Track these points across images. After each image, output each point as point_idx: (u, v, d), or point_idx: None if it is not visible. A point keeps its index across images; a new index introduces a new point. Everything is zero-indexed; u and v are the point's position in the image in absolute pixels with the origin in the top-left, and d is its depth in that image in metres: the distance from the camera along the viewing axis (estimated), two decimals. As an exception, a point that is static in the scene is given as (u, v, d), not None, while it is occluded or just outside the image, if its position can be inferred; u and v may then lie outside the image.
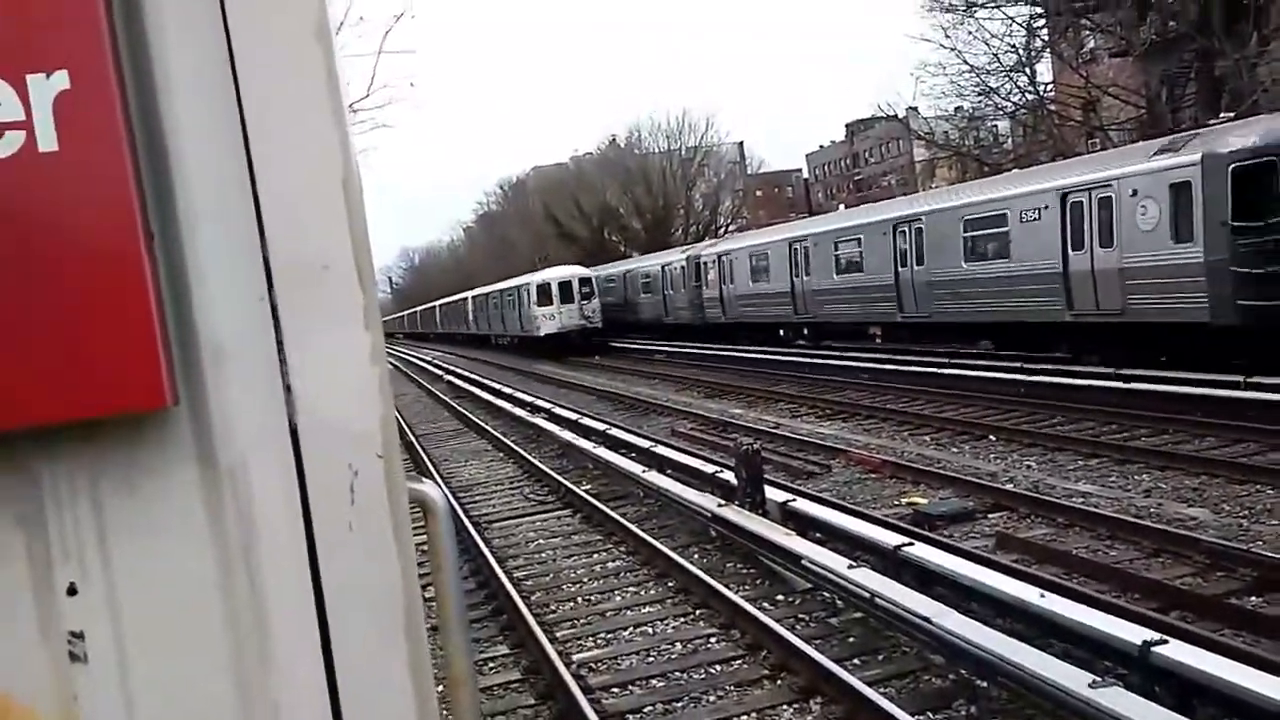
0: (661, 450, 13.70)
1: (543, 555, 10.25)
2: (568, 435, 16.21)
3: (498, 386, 27.16)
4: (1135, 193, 15.03)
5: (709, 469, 11.67)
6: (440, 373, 37.61)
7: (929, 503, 10.35)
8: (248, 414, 1.18)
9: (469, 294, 59.62)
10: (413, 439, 19.17)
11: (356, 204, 1.22)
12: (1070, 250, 16.44)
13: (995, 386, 16.82)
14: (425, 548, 1.40)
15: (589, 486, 13.03)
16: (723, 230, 67.56)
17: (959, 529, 9.39)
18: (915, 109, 36.38)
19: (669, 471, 12.49)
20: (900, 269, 21.68)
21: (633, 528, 10.24)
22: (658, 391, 24.01)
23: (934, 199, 21.85)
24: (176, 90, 1.15)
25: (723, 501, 9.88)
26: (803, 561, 7.85)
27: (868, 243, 23.22)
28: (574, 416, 18.59)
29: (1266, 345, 13.49)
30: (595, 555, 9.95)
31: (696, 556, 9.34)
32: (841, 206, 42.05)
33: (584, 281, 39.35)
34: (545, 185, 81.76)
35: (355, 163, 1.22)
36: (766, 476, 10.41)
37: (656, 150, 70.28)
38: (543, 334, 38.82)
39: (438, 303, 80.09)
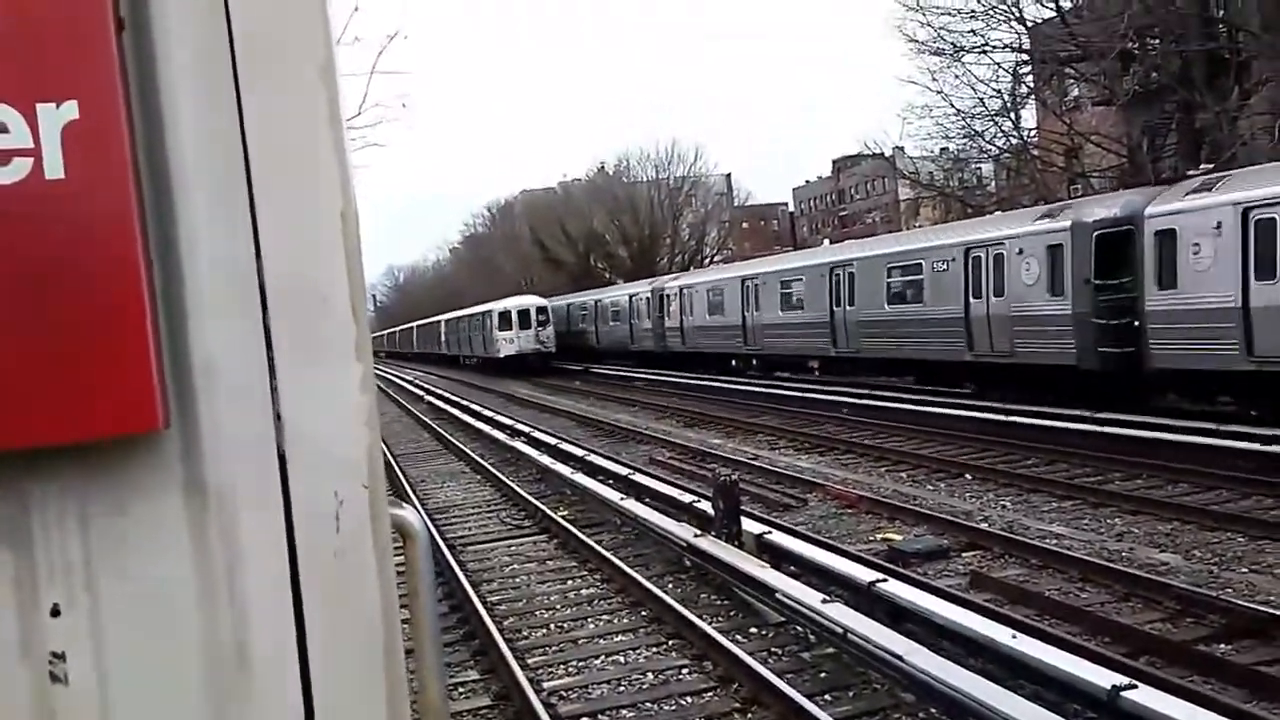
0: (639, 478, 13.69)
1: (517, 580, 10.19)
2: (546, 460, 16.18)
3: (477, 408, 27.10)
4: (1021, 251, 17.57)
5: (686, 498, 11.67)
6: (420, 393, 37.51)
7: (904, 539, 10.37)
8: (237, 439, 1.20)
9: (442, 317, 64.36)
10: (391, 459, 19.08)
11: (353, 237, 1.24)
12: (971, 298, 18.97)
13: (973, 425, 16.93)
14: (402, 570, 1.41)
15: (566, 512, 12.98)
16: (708, 260, 67.92)
17: (933, 567, 9.42)
18: (901, 148, 36.83)
19: (646, 500, 12.47)
20: (835, 308, 24.24)
21: (608, 555, 10.21)
22: (637, 419, 23.99)
23: (865, 247, 24.46)
24: (183, 124, 1.18)
25: (699, 531, 9.87)
26: (777, 594, 7.85)
27: (808, 283, 25.70)
28: (553, 441, 18.56)
29: (1121, 387, 16.17)
30: (570, 582, 9.91)
31: (671, 586, 9.31)
32: (826, 241, 42.41)
33: (540, 310, 44.57)
34: (533, 209, 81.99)
35: (354, 197, 1.25)
36: (743, 508, 10.40)
37: (645, 178, 70.75)
38: (502, 355, 44.09)
39: (415, 324, 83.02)
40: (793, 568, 8.94)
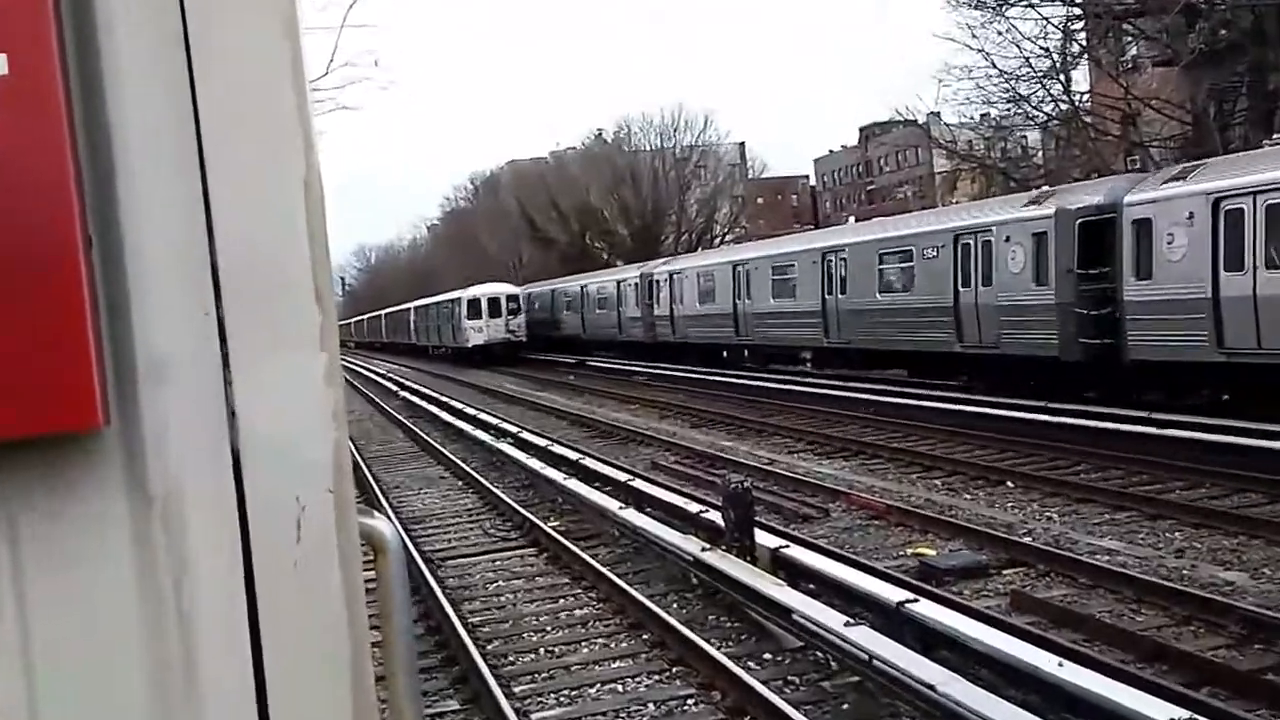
0: (640, 485, 13.72)
1: (502, 599, 10.23)
2: (535, 464, 16.22)
3: (459, 405, 27.15)
4: (1008, 239, 19.06)
5: (693, 508, 11.70)
6: (394, 388, 37.58)
7: (937, 555, 10.42)
8: (186, 438, 1.20)
9: (412, 304, 66.94)
10: (361, 462, 19.13)
11: (318, 211, 1.24)
12: (960, 287, 20.44)
13: (1015, 427, 16.96)
14: (372, 587, 1.42)
15: (557, 523, 13.02)
16: (719, 240, 67.89)
17: (969, 585, 9.45)
18: (937, 114, 36.77)
19: (648, 509, 12.51)
20: (827, 296, 25.80)
21: (604, 571, 10.24)
22: (638, 418, 24.02)
23: (859, 231, 26.42)
24: (125, 83, 1.17)
25: (707, 545, 9.90)
26: (794, 616, 7.87)
27: (801, 270, 27.22)
28: (543, 443, 18.61)
29: (1101, 380, 17.54)
30: (561, 601, 9.95)
31: (675, 606, 9.35)
32: (851, 219, 42.42)
33: (511, 298, 48.43)
34: (521, 182, 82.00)
35: (319, 165, 1.25)
36: (757, 519, 10.43)
37: (648, 148, 70.73)
38: (471, 345, 47.55)
39: (384, 311, 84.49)
40: (812, 586, 8.97)
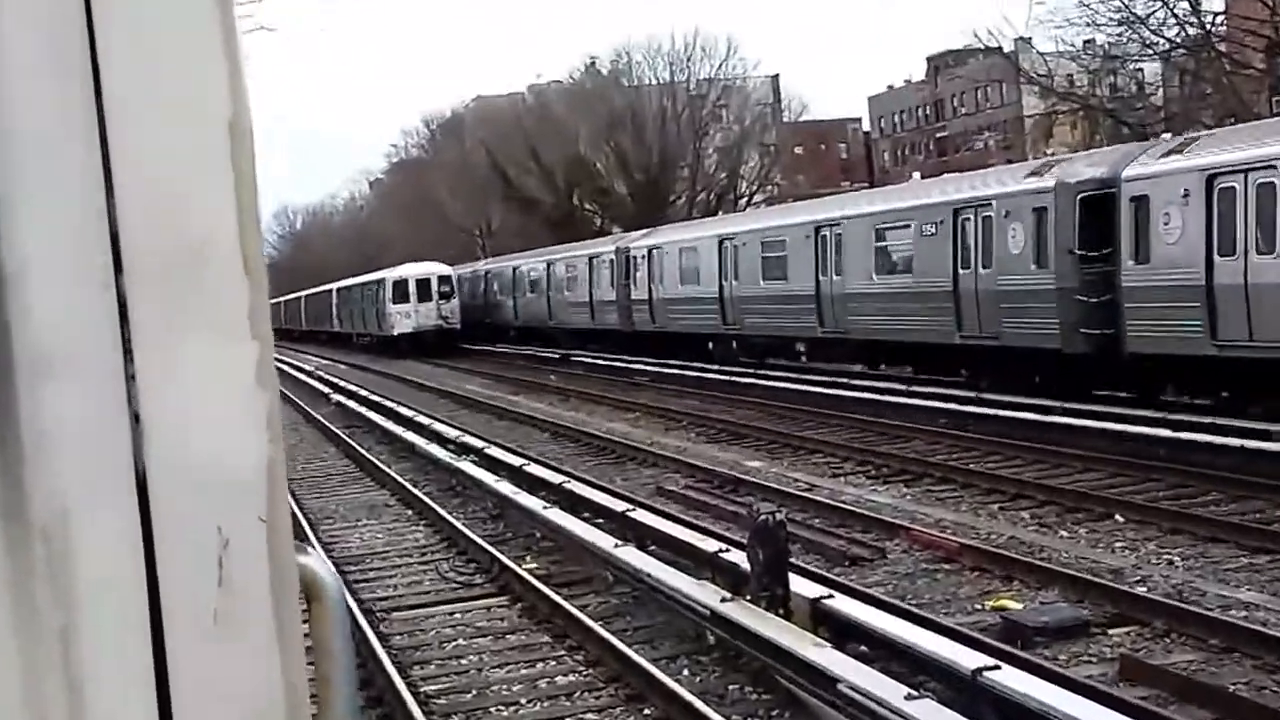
0: (641, 516, 13.74)
1: (463, 662, 10.25)
2: (507, 488, 16.25)
3: (409, 413, 27.19)
4: (1008, 214, 20.89)
5: (709, 546, 11.71)
6: (325, 390, 37.63)
7: (1024, 608, 10.43)
8: (76, 450, 1.20)
9: (334, 285, 71.08)
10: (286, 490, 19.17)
11: (247, 162, 1.25)
12: (960, 269, 22.35)
13: (1126, 446, 16.97)
14: (306, 645, 1.42)
15: (534, 564, 13.04)
16: (745, 201, 67.90)
17: (1066, 648, 9.47)
18: (1028, 40, 36.82)
19: (651, 548, 12.52)
20: (821, 278, 27.69)
21: (595, 628, 10.25)
22: (640, 430, 24.05)
23: (859, 202, 28.55)
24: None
25: (728, 595, 9.92)
26: (840, 686, 7.88)
27: (792, 246, 29.11)
28: (517, 462, 18.64)
29: (1111, 374, 19.49)
30: (540, 665, 9.96)
31: (686, 673, 9.37)
32: (916, 174, 42.43)
33: (443, 280, 52.45)
34: (492, 125, 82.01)
35: (248, 102, 1.26)
36: (793, 561, 10.44)
37: (654, 82, 70.66)
38: (397, 333, 51.41)
39: (305, 293, 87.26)
40: (864, 648, 8.98)
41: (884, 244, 25.44)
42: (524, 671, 9.86)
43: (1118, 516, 13.70)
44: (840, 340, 27.68)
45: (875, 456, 18.55)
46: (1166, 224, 17.71)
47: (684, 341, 35.88)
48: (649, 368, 35.29)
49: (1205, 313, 16.93)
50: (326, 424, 28.60)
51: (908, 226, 24.42)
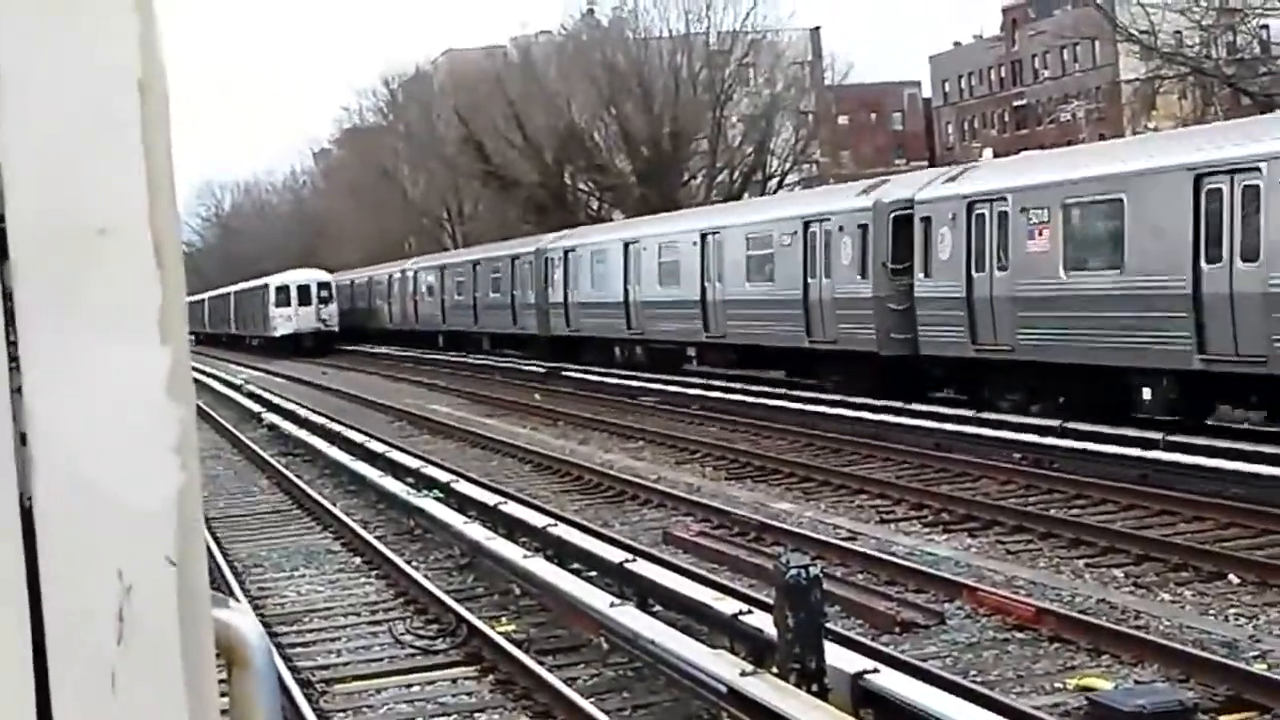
0: (644, 569, 13.72)
1: (422, 747, 10.23)
2: (478, 532, 16.23)
3: (360, 439, 27.17)
4: (841, 229, 28.51)
5: (728, 608, 11.69)
6: (256, 407, 37.63)
7: (1115, 689, 10.38)
8: None
9: (231, 290, 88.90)
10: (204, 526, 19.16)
11: (159, 126, 1.26)
12: (808, 278, 29.57)
13: (1245, 488, 16.93)
14: (225, 717, 1.43)
15: (511, 627, 13.01)
16: (776, 182, 67.80)
17: (1167, 739, 9.44)
18: (1126, -11, 36.82)
19: (655, 607, 12.48)
20: (705, 284, 34.85)
21: (585, 706, 10.23)
22: (641, 461, 24.03)
23: (741, 211, 37.46)
24: None
25: (750, 667, 9.90)
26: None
27: (683, 251, 36.35)
28: (492, 500, 18.62)
29: (904, 378, 26.54)
30: (517, 752, 9.95)
31: (698, 764, 9.36)
32: (988, 152, 42.49)
33: (322, 285, 71.35)
34: (465, 87, 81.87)
35: (161, 58, 1.27)
36: (830, 626, 10.42)
37: (665, 34, 70.41)
38: (279, 334, 69.01)
39: (208, 295, 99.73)
40: (916, 735, 8.96)
41: (752, 253, 32.64)
42: (497, 759, 9.86)
43: (1232, 577, 13.64)
44: (720, 345, 35.31)
45: (933, 499, 18.49)
46: (942, 242, 25.11)
47: (594, 345, 43.74)
48: (654, 385, 35.32)
49: (967, 320, 24.39)
50: (257, 450, 28.55)
51: (770, 236, 31.85)
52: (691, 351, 38.48)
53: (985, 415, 24.04)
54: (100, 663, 1.23)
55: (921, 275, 25.55)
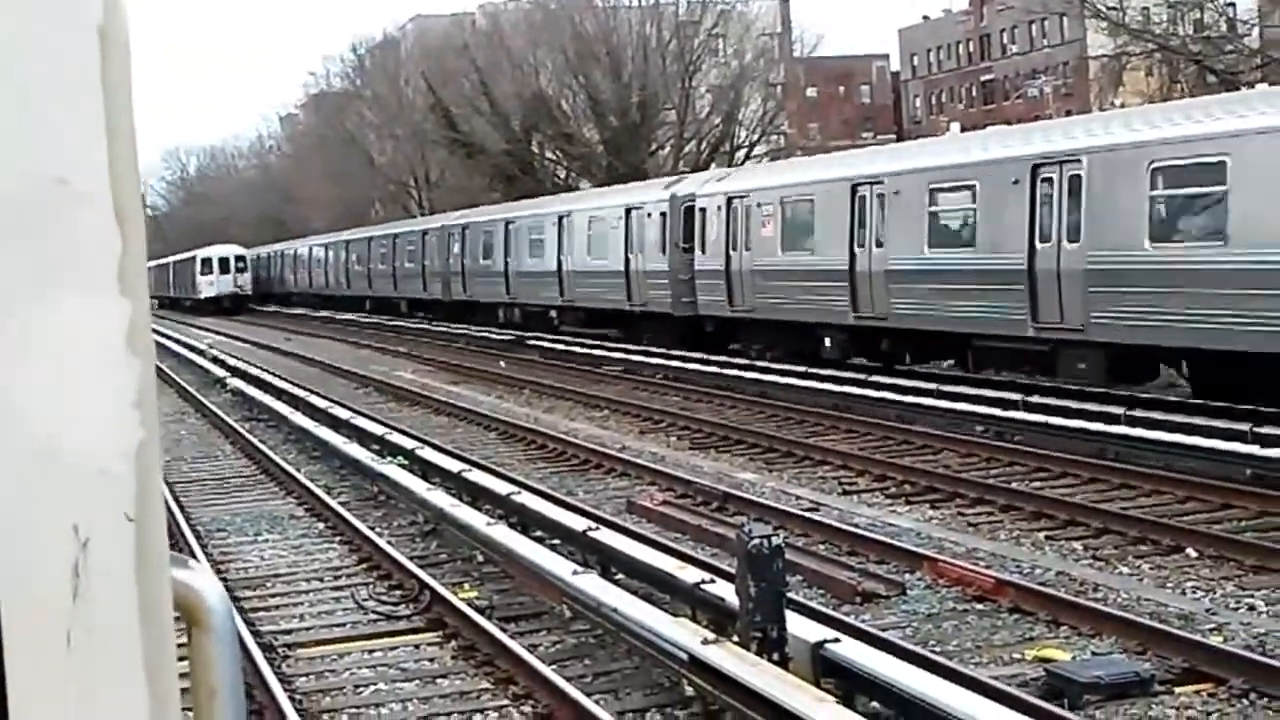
0: (608, 537, 13.74)
1: (384, 713, 10.21)
2: (442, 499, 16.23)
3: (323, 405, 27.13)
4: (650, 215, 37.01)
5: (690, 576, 11.71)
6: (221, 372, 37.57)
7: (1074, 660, 10.44)
8: None
9: (170, 260, 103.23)
10: (165, 490, 19.12)
11: (120, 76, 1.24)
12: (629, 254, 37.92)
13: (1204, 462, 17.02)
14: (185, 685, 1.41)
15: (474, 593, 13.02)
16: (744, 153, 67.82)
17: (1123, 709, 9.48)
18: (1095, -36, 36.87)
19: (618, 576, 12.51)
20: (561, 258, 42.95)
21: (547, 673, 10.24)
22: (607, 430, 24.08)
23: (576, 200, 47.32)
24: None
25: (711, 636, 9.92)
26: (846, 751, 7.91)
27: (546, 230, 44.49)
28: (455, 466, 18.62)
29: (702, 334, 35.01)
30: (478, 718, 9.94)
31: (659, 731, 9.36)
32: (955, 126, 42.69)
33: (239, 258, 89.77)
34: (432, 51, 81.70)
35: (123, 4, 1.25)
36: (791, 596, 10.43)
37: (635, 3, 70.25)
38: (204, 296, 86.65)
39: (173, 259, 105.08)
40: (875, 704, 9.01)
41: (592, 233, 40.78)
42: (458, 725, 9.85)
43: (1190, 550, 13.71)
44: (573, 308, 43.28)
45: (896, 470, 18.55)
46: (711, 228, 33.29)
47: (484, 309, 51.91)
48: (620, 355, 35.53)
49: (724, 288, 32.48)
50: (220, 415, 28.49)
51: (605, 220, 39.98)
52: (554, 314, 45.17)
53: (947, 389, 24.16)
54: (55, 619, 1.21)
55: (700, 253, 33.79)
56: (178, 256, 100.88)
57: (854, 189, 27.46)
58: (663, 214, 35.68)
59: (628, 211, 37.97)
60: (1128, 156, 20.84)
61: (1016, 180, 22.77)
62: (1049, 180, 22.20)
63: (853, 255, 27.32)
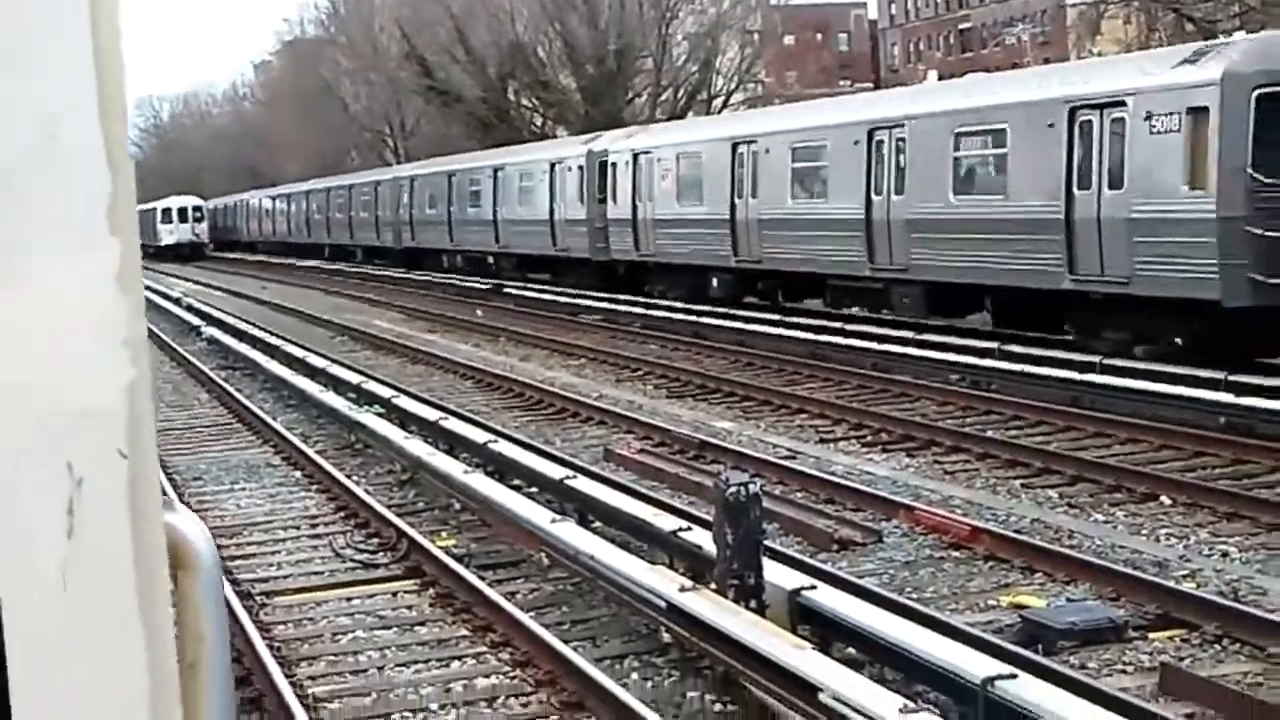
0: (584, 486, 13.75)
1: (362, 660, 10.24)
2: (419, 447, 16.22)
3: (301, 354, 27.06)
4: (570, 169, 40.13)
5: (667, 524, 11.73)
6: (196, 320, 37.46)
7: (1048, 606, 10.50)
8: None
9: (158, 204, 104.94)
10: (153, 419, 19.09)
11: (108, 17, 1.23)
12: (553, 204, 41.71)
13: (1178, 411, 17.10)
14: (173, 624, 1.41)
15: (452, 541, 13.03)
16: (721, 101, 67.54)
17: (1096, 655, 9.53)
18: (1073, -89, 36.66)
19: (595, 524, 12.53)
20: (496, 208, 46.59)
21: (524, 620, 10.27)
22: (583, 379, 24.06)
23: (508, 155, 50.31)
24: None
25: (688, 583, 9.95)
26: (822, 696, 7.95)
27: (482, 183, 48.29)
28: (433, 415, 18.61)
29: (615, 278, 38.24)
30: (455, 665, 9.97)
31: (635, 677, 9.40)
32: (932, 75, 42.61)
33: (196, 209, 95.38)
34: (408, 1, 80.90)
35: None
36: (768, 544, 10.46)
37: (612, -49, 69.77)
38: (164, 244, 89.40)
39: (140, 207, 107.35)
40: (852, 650, 9.05)
41: (523, 185, 44.46)
42: (436, 672, 9.86)
43: (1164, 498, 13.77)
44: (507, 254, 47.17)
45: (872, 419, 18.57)
46: (621, 181, 36.80)
47: (431, 255, 55.60)
48: (597, 304, 35.48)
49: (632, 235, 36.03)
50: (196, 363, 28.41)
51: (533, 173, 43.60)
52: (490, 259, 48.85)
53: (924, 337, 24.20)
54: (49, 556, 1.21)
55: (611, 204, 37.08)
56: (141, 207, 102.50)
57: (734, 147, 31.31)
58: (581, 168, 39.03)
59: (552, 166, 41.63)
60: (941, 123, 24.68)
61: (857, 141, 26.51)
62: (881, 143, 25.96)
63: (733, 206, 30.96)
